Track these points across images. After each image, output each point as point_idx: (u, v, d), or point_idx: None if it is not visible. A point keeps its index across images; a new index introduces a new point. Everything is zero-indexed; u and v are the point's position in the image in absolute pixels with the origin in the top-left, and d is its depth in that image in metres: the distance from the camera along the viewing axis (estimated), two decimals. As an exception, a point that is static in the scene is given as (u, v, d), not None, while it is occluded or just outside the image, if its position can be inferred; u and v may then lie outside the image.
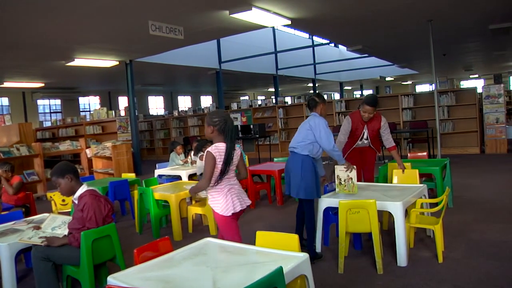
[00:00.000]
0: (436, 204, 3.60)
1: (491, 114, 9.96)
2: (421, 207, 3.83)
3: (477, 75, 26.58)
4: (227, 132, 3.01)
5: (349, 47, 11.93)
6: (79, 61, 9.71)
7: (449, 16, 8.66)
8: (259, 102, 14.55)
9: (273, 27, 17.08)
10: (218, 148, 2.98)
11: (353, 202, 3.45)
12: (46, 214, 4.06)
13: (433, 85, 9.47)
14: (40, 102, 19.18)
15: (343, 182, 3.85)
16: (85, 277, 3.04)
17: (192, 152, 7.12)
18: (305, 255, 2.25)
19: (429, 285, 3.07)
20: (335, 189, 3.99)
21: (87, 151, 9.78)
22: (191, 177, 6.66)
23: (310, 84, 23.51)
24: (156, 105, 24.58)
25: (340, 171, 3.88)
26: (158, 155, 16.34)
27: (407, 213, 3.64)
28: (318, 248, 3.91)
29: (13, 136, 9.11)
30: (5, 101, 17.78)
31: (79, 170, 3.66)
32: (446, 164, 5.38)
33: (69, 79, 14.50)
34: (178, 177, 6.72)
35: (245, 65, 16.07)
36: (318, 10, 7.29)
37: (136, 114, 12.10)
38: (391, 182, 4.68)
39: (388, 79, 23.82)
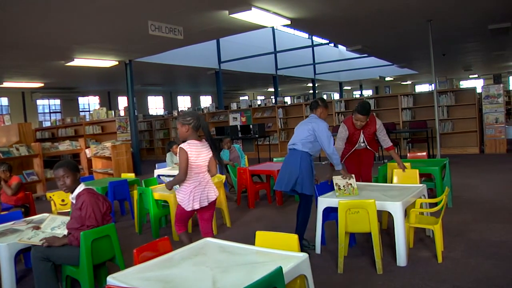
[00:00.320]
0: (436, 204, 3.60)
1: (491, 114, 9.97)
2: (421, 207, 3.83)
3: (476, 75, 26.62)
4: (202, 129, 3.34)
5: (348, 47, 11.93)
6: (79, 61, 9.71)
7: (448, 16, 8.67)
8: (259, 102, 14.56)
9: (272, 27, 17.09)
10: (190, 145, 3.27)
11: (352, 202, 3.45)
12: (45, 214, 4.06)
13: (433, 85, 9.48)
14: (39, 102, 19.17)
15: (342, 188, 3.87)
16: (84, 277, 3.04)
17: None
18: (304, 255, 2.26)
19: (429, 285, 3.07)
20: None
21: (87, 151, 9.77)
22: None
23: (310, 84, 23.52)
24: (155, 105, 24.58)
25: (339, 180, 3.90)
26: (157, 155, 16.33)
27: (406, 213, 3.64)
28: (318, 249, 3.91)
29: (13, 136, 9.10)
30: (4, 101, 17.78)
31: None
32: (446, 164, 5.38)
33: (68, 79, 14.50)
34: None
35: (244, 65, 16.08)
36: (318, 10, 7.29)
37: (136, 114, 12.10)
38: (391, 182, 4.68)
39: (387, 79, 23.85)
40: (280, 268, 1.96)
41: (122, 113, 12.03)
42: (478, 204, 5.29)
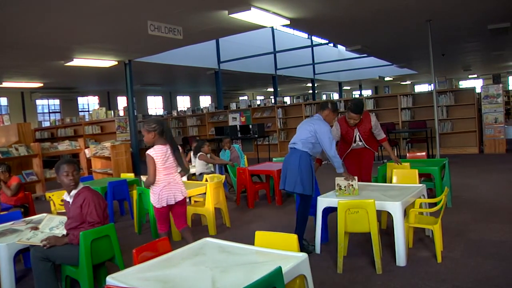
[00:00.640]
0: (435, 204, 3.60)
1: (490, 114, 9.98)
2: (420, 207, 3.84)
3: (476, 75, 26.63)
4: (166, 134, 3.64)
5: (348, 47, 11.93)
6: (78, 61, 9.70)
7: (448, 16, 8.67)
8: (258, 102, 14.56)
9: (272, 27, 17.08)
10: (156, 150, 3.58)
11: (352, 202, 3.45)
12: (44, 215, 4.06)
13: (432, 85, 9.48)
14: (39, 102, 19.16)
15: (343, 188, 3.87)
16: (84, 277, 3.03)
17: (192, 152, 7.12)
18: (304, 255, 2.26)
19: (428, 285, 3.07)
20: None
21: (86, 151, 9.77)
22: (190, 177, 6.67)
23: (309, 84, 23.53)
24: (155, 105, 24.57)
25: (340, 180, 3.91)
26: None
27: (406, 213, 3.64)
28: (318, 249, 3.91)
29: (12, 136, 9.10)
30: (4, 101, 17.76)
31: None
32: (445, 164, 5.38)
33: (68, 79, 14.49)
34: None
35: (244, 65, 16.08)
36: (317, 10, 7.29)
37: (135, 114, 12.09)
38: (390, 182, 4.68)
39: (387, 79, 23.85)
40: (280, 268, 1.96)
41: (121, 113, 12.01)
42: (478, 204, 5.29)
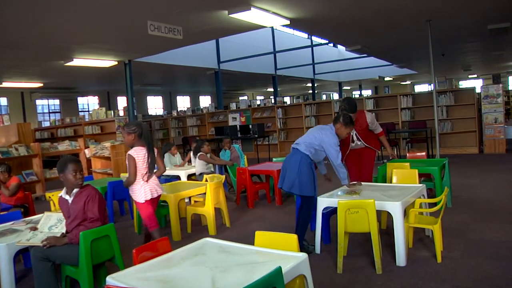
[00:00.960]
0: (435, 204, 3.60)
1: (490, 114, 9.98)
2: (420, 207, 3.84)
3: (475, 75, 26.65)
4: (144, 136, 3.87)
5: (348, 47, 11.94)
6: (78, 61, 9.71)
7: (448, 16, 8.67)
8: (258, 102, 14.56)
9: (272, 27, 17.09)
10: (137, 151, 3.80)
11: (352, 202, 3.45)
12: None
13: (432, 85, 9.48)
14: (38, 102, 19.17)
15: (346, 193, 3.88)
16: (84, 277, 3.03)
17: (192, 152, 7.12)
18: (304, 255, 2.26)
19: (428, 285, 3.07)
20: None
21: (86, 151, 9.76)
22: (190, 177, 6.67)
23: (309, 84, 23.54)
24: (155, 105, 24.58)
25: (345, 189, 3.94)
26: (157, 155, 16.30)
27: (406, 213, 3.64)
28: (318, 249, 3.91)
29: (12, 136, 9.09)
30: (3, 101, 17.77)
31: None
32: (445, 164, 5.38)
33: (68, 79, 14.49)
34: (177, 177, 6.73)
35: (244, 65, 16.08)
36: (317, 10, 7.29)
37: (135, 114, 12.09)
38: (390, 182, 4.68)
39: (387, 79, 23.86)
40: (280, 268, 1.96)
41: (121, 113, 12.00)
42: (478, 204, 5.29)
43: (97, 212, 3.19)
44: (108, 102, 21.12)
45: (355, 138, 4.83)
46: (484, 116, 10.05)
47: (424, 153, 6.32)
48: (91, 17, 6.63)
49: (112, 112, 12.03)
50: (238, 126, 12.56)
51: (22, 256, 4.12)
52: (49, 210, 5.44)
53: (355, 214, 3.41)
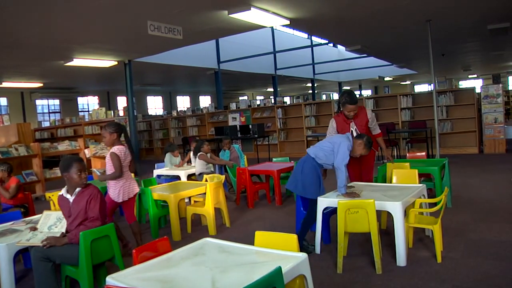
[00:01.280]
0: (435, 204, 3.60)
1: (490, 114, 9.98)
2: (420, 207, 3.83)
3: (475, 75, 26.66)
4: (125, 136, 4.20)
5: (347, 47, 11.95)
6: (78, 61, 9.71)
7: (447, 16, 8.68)
8: (258, 102, 14.56)
9: (272, 27, 17.09)
10: (119, 149, 4.06)
11: (352, 202, 3.45)
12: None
13: (432, 85, 9.49)
14: (38, 102, 19.17)
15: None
16: (84, 278, 3.03)
17: (192, 153, 7.12)
18: (304, 255, 2.26)
19: (428, 285, 3.07)
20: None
21: (86, 151, 9.76)
22: (190, 177, 6.67)
23: (309, 84, 23.54)
24: (155, 105, 24.58)
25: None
26: (156, 155, 16.32)
27: (406, 213, 3.64)
28: (318, 249, 3.91)
29: (12, 136, 9.09)
30: (3, 101, 17.76)
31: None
32: (445, 164, 5.38)
33: (68, 79, 14.49)
34: (177, 177, 6.73)
35: (244, 65, 16.09)
36: (317, 10, 7.29)
37: (135, 114, 12.10)
38: (390, 182, 4.68)
39: (386, 79, 23.87)
40: (280, 268, 1.96)
41: (121, 113, 12.00)
42: (478, 204, 5.29)
43: (98, 211, 3.19)
44: (108, 102, 21.12)
45: (354, 134, 4.68)
46: (484, 116, 10.05)
47: (424, 153, 6.32)
48: (91, 17, 6.63)
49: (112, 112, 12.04)
50: (238, 126, 12.56)
51: (22, 256, 4.12)
52: (49, 210, 5.46)
53: (355, 214, 3.41)
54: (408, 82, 29.18)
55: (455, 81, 13.80)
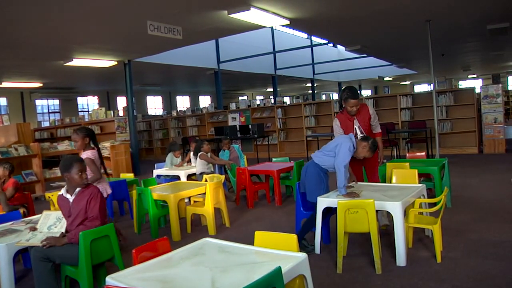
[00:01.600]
0: (435, 204, 3.60)
1: (489, 114, 9.98)
2: (420, 207, 3.84)
3: (475, 75, 26.66)
4: (94, 140, 4.40)
5: (347, 47, 11.94)
6: (78, 61, 9.70)
7: (447, 16, 8.68)
8: (258, 102, 14.56)
9: (271, 27, 17.09)
10: (92, 153, 4.27)
11: (351, 202, 3.45)
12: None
13: (432, 85, 9.48)
14: (38, 102, 19.16)
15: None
16: (83, 278, 3.03)
17: (192, 153, 7.12)
18: (303, 255, 2.26)
19: (428, 285, 3.07)
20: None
21: (86, 151, 9.75)
22: (190, 177, 6.67)
23: (309, 84, 23.54)
24: (154, 105, 24.57)
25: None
26: (156, 155, 16.33)
27: (406, 213, 3.64)
28: (317, 249, 3.91)
29: (11, 136, 9.09)
30: (3, 101, 17.75)
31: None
32: (445, 164, 5.38)
33: (67, 79, 14.48)
34: (177, 177, 6.73)
35: (243, 65, 16.08)
36: (317, 10, 7.29)
37: (135, 114, 12.09)
38: (390, 182, 4.68)
39: (386, 79, 23.88)
40: (279, 268, 1.96)
41: (121, 113, 12.01)
42: (477, 204, 5.29)
43: (97, 211, 3.19)
44: (107, 102, 21.11)
45: (358, 132, 4.61)
46: (484, 116, 10.05)
47: (423, 153, 6.32)
48: (91, 17, 6.63)
49: (112, 112, 12.04)
50: (237, 126, 12.56)
51: (22, 256, 4.12)
52: (49, 210, 5.46)
53: (354, 214, 3.41)
54: (408, 82, 29.17)
55: (455, 81, 13.81)
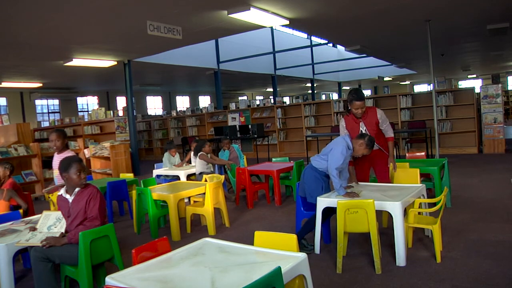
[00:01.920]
0: (435, 204, 3.60)
1: (489, 114, 9.98)
2: (420, 207, 3.84)
3: (475, 75, 26.65)
4: (67, 142, 4.62)
5: (347, 47, 11.94)
6: (78, 61, 9.70)
7: (447, 16, 8.68)
8: (258, 102, 14.57)
9: (271, 27, 17.09)
10: (72, 153, 4.39)
11: (351, 202, 3.45)
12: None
13: (431, 85, 9.49)
14: (38, 102, 19.15)
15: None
16: (83, 278, 3.03)
17: (192, 152, 7.12)
18: (303, 255, 2.26)
19: (428, 284, 3.07)
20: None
21: (85, 151, 9.77)
22: (189, 177, 6.67)
23: (309, 84, 23.54)
24: (154, 105, 24.56)
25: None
26: (156, 155, 16.32)
27: (405, 213, 3.64)
28: (317, 249, 3.91)
29: (11, 136, 9.10)
30: (3, 101, 17.74)
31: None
32: (444, 164, 5.38)
33: (67, 79, 14.48)
34: (176, 178, 6.73)
35: (243, 65, 16.08)
36: (316, 10, 7.29)
37: (135, 114, 12.09)
38: (393, 182, 4.66)
39: (386, 79, 23.87)
40: (279, 268, 1.96)
41: (120, 113, 12.01)
42: (477, 204, 5.29)
43: (97, 211, 3.19)
44: (107, 102, 21.10)
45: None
46: (484, 116, 10.05)
47: (423, 153, 6.32)
48: (91, 17, 6.62)
49: (112, 112, 12.03)
50: (237, 126, 12.56)
51: (22, 256, 4.12)
52: (48, 210, 5.45)
53: (354, 214, 3.41)
54: (407, 82, 29.17)
55: (454, 81, 13.80)
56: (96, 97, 21.12)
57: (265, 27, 8.34)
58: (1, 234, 3.52)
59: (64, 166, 3.23)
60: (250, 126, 12.11)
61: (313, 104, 12.78)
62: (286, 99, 15.52)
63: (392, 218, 3.46)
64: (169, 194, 4.87)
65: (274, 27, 17.58)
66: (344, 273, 3.41)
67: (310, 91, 23.82)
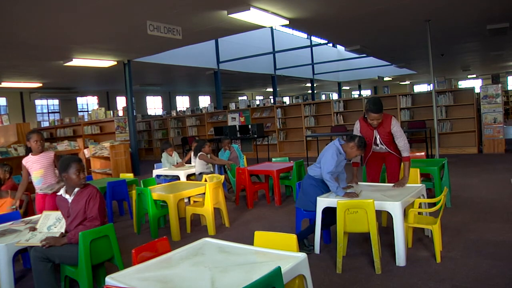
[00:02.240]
0: (434, 204, 3.60)
1: (489, 114, 9.99)
2: (420, 207, 3.84)
3: (475, 75, 26.66)
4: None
5: (347, 47, 11.94)
6: (77, 61, 9.69)
7: (447, 16, 8.68)
8: (257, 102, 14.57)
9: (271, 27, 17.09)
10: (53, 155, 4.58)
11: (351, 202, 3.45)
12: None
13: (431, 85, 9.49)
14: (38, 102, 19.14)
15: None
16: (83, 278, 3.03)
17: (192, 152, 7.12)
18: (303, 255, 2.26)
19: (427, 284, 3.08)
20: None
21: (85, 151, 9.77)
22: (189, 177, 6.67)
23: (308, 84, 23.54)
24: (154, 105, 24.56)
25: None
26: (156, 155, 16.32)
27: (405, 213, 3.64)
28: (317, 249, 3.91)
29: (11, 136, 9.09)
30: (2, 101, 17.74)
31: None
32: (444, 164, 5.38)
33: (67, 79, 14.48)
34: (176, 178, 6.73)
35: (243, 65, 16.08)
36: (316, 10, 7.29)
37: (134, 114, 12.08)
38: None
39: (386, 79, 23.87)
40: (279, 268, 1.96)
41: (120, 113, 12.02)
42: (477, 204, 5.30)
43: (96, 211, 3.19)
44: (107, 102, 21.10)
45: (378, 141, 4.41)
46: (483, 116, 10.05)
47: (423, 153, 6.33)
48: (91, 17, 6.62)
49: (112, 112, 12.04)
50: (237, 126, 12.56)
51: (21, 256, 4.12)
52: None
53: (354, 214, 3.41)
54: (407, 82, 29.16)
55: (454, 81, 13.79)
56: (96, 97, 21.12)
57: (265, 27, 8.34)
58: (1, 234, 3.52)
59: (63, 166, 3.23)
60: (250, 126, 12.12)
61: (313, 104, 12.78)
62: (286, 99, 15.52)
63: (392, 218, 3.47)
64: (169, 194, 4.87)
65: (274, 27, 17.58)
66: (344, 273, 3.41)
67: (310, 91, 23.82)
